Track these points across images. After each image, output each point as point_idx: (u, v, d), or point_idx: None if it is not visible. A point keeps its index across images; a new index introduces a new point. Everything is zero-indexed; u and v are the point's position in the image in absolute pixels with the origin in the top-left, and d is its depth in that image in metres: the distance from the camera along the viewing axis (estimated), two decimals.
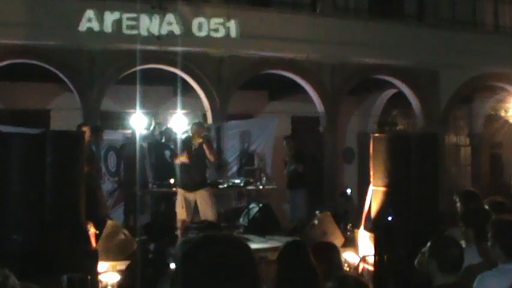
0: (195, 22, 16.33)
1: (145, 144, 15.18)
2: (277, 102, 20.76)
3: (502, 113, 22.23)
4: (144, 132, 15.90)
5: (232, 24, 16.62)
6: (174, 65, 16.29)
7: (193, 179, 12.14)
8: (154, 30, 15.74)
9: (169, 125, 16.38)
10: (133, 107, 15.72)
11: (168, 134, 15.38)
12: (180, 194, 12.17)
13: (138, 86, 15.20)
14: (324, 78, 18.16)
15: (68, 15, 15.28)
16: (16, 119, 15.27)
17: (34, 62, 15.39)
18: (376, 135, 10.86)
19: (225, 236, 2.43)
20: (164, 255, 9.40)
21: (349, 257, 10.13)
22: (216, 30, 16.53)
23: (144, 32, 15.66)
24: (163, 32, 15.80)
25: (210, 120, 17.10)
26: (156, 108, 18.42)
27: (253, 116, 20.16)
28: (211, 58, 16.85)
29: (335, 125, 18.54)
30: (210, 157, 12.48)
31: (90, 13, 15.35)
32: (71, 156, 8.23)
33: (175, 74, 16.56)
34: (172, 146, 15.01)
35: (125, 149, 15.01)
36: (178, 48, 15.95)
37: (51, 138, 8.08)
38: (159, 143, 15.32)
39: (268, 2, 18.65)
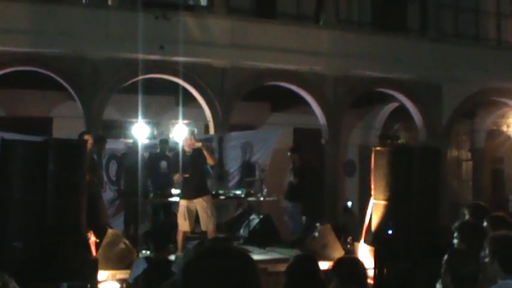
0: (199, 32, 16.38)
1: (146, 154, 15.17)
2: (280, 114, 20.76)
3: (504, 128, 22.25)
4: (146, 141, 15.91)
5: (235, 35, 16.68)
6: (177, 75, 16.33)
7: (193, 187, 12.11)
8: (157, 40, 15.81)
9: (171, 135, 16.40)
10: (136, 116, 15.74)
11: (165, 144, 15.32)
12: (183, 206, 12.15)
13: (140, 96, 15.23)
14: (326, 90, 18.19)
15: (72, 24, 15.32)
16: (19, 127, 15.25)
17: (37, 69, 15.43)
18: (378, 148, 10.86)
19: (228, 247, 2.43)
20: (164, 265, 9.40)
21: None
22: (220, 40, 16.58)
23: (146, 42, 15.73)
24: (167, 41, 15.86)
25: (212, 130, 17.12)
26: (158, 118, 18.44)
27: (255, 127, 20.15)
28: (214, 69, 16.88)
29: (337, 137, 18.55)
30: (210, 161, 12.48)
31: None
32: (72, 164, 8.23)
33: (177, 84, 16.60)
34: (170, 156, 15.02)
35: (126, 158, 15.01)
36: (181, 58, 16.00)
37: (53, 146, 8.09)
38: (157, 153, 15.28)
39: (272, 14, 18.71)
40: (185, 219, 12.01)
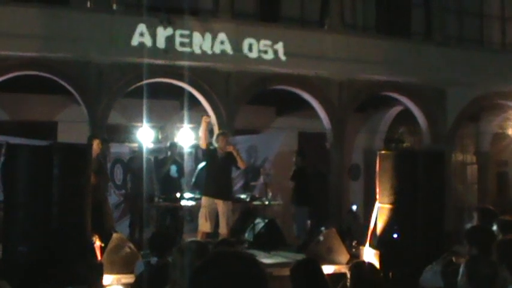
0: (203, 36, 16.40)
1: (152, 158, 15.19)
2: (284, 118, 20.76)
3: (509, 131, 22.19)
4: (151, 145, 15.92)
5: (240, 39, 16.69)
6: (182, 79, 16.33)
7: (217, 187, 12.11)
8: (162, 45, 15.88)
9: (175, 140, 16.40)
10: (141, 120, 15.75)
11: (175, 148, 15.38)
12: (204, 206, 12.14)
13: (145, 100, 15.24)
14: (331, 94, 18.18)
15: (77, 28, 15.36)
16: (24, 131, 15.30)
17: (43, 74, 15.44)
18: (383, 152, 10.87)
19: (237, 253, 2.42)
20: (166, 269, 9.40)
21: None
22: (224, 45, 16.59)
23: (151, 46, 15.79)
24: (172, 46, 15.91)
25: None
26: (163, 122, 18.44)
27: (260, 131, 20.15)
28: (218, 73, 16.88)
29: (342, 141, 18.52)
30: (242, 164, 12.53)
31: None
32: (77, 168, 8.26)
33: (182, 88, 16.60)
34: (179, 161, 15.06)
35: (133, 162, 15.03)
36: (186, 63, 16.02)
37: (59, 150, 8.12)
38: (166, 158, 15.32)
39: (276, 18, 18.72)
40: (206, 220, 12.01)
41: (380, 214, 10.29)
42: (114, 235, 10.79)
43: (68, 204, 8.03)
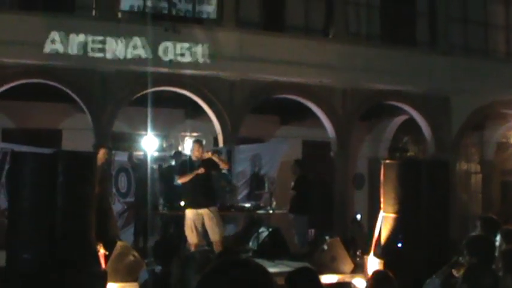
0: (207, 45, 16.42)
1: (156, 167, 15.19)
2: (289, 127, 20.76)
3: None
4: (156, 154, 15.92)
5: (244, 48, 16.72)
6: (186, 88, 16.36)
7: (200, 196, 12.06)
8: (166, 53, 15.91)
9: (180, 148, 16.40)
10: (145, 129, 15.76)
11: (179, 157, 15.37)
12: (189, 218, 12.09)
13: (149, 108, 15.26)
14: (335, 103, 18.19)
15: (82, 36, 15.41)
16: (28, 139, 15.33)
17: (47, 82, 15.49)
18: (387, 161, 10.87)
19: (245, 260, 2.43)
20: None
21: (358, 283, 10.08)
22: (227, 53, 16.61)
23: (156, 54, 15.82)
24: (176, 54, 15.94)
25: (221, 143, 17.12)
26: (167, 131, 18.46)
27: (264, 140, 20.13)
28: (223, 81, 16.90)
29: (346, 150, 18.52)
30: (223, 165, 12.47)
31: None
32: (82, 176, 8.27)
33: (187, 97, 16.63)
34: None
35: (138, 170, 15.03)
36: (190, 71, 16.05)
37: (63, 158, 8.13)
38: (170, 167, 15.32)
39: (281, 27, 18.74)
40: (192, 231, 11.96)
41: (384, 223, 10.27)
42: (119, 243, 10.80)
43: (72, 212, 8.03)
